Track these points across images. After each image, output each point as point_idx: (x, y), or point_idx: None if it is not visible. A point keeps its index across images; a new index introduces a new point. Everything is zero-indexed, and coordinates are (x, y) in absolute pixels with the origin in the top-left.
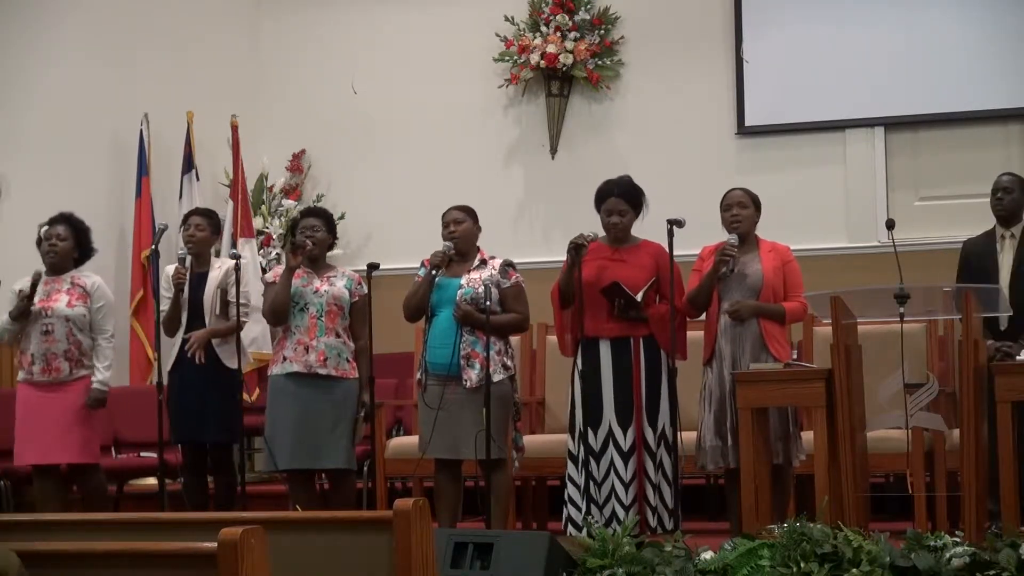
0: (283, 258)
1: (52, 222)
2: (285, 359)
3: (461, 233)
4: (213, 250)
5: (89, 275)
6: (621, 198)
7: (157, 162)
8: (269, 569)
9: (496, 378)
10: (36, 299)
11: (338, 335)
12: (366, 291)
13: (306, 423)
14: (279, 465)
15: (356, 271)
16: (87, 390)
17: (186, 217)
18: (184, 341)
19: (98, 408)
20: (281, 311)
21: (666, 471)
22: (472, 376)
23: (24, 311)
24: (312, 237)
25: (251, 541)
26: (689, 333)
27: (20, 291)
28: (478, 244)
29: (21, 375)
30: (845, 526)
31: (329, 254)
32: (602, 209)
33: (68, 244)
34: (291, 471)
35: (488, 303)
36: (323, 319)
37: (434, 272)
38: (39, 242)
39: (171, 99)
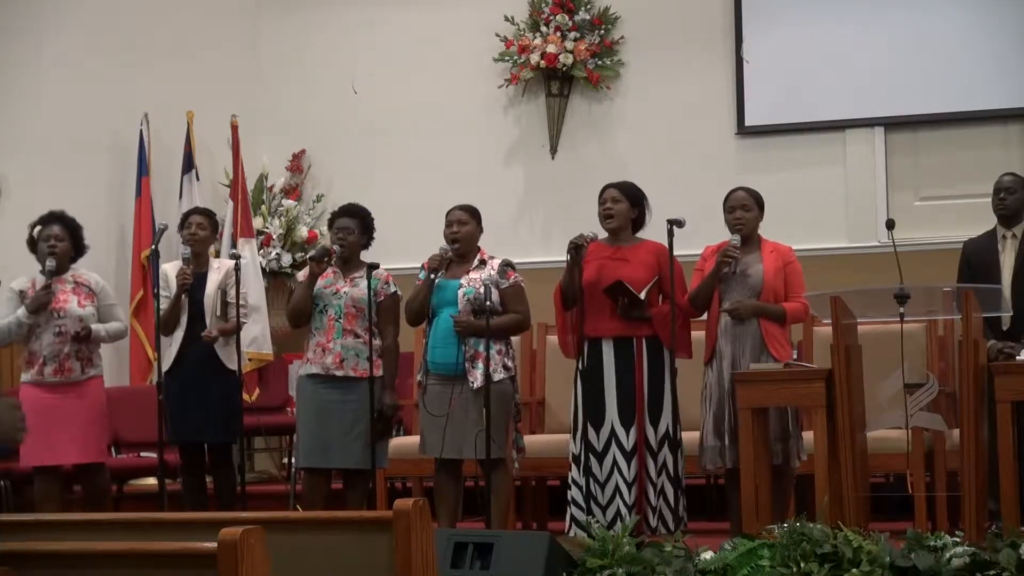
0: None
1: (44, 222)
2: (308, 360)
3: (463, 235)
4: (212, 250)
5: (88, 273)
6: (616, 189)
7: (157, 162)
8: (269, 569)
9: (497, 377)
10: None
11: (357, 336)
12: (393, 290)
13: (322, 423)
14: (296, 463)
15: (386, 269)
16: (99, 389)
17: (186, 216)
18: (184, 341)
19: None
20: (298, 317)
21: (669, 471)
22: (478, 376)
23: (45, 304)
24: (343, 240)
25: (251, 541)
26: (692, 333)
27: (22, 289)
28: (479, 244)
29: (27, 376)
30: (845, 526)
31: (364, 252)
32: (600, 200)
33: (66, 244)
34: (307, 469)
35: (489, 303)
36: (341, 321)
37: (433, 276)
38: (31, 242)
39: (171, 99)
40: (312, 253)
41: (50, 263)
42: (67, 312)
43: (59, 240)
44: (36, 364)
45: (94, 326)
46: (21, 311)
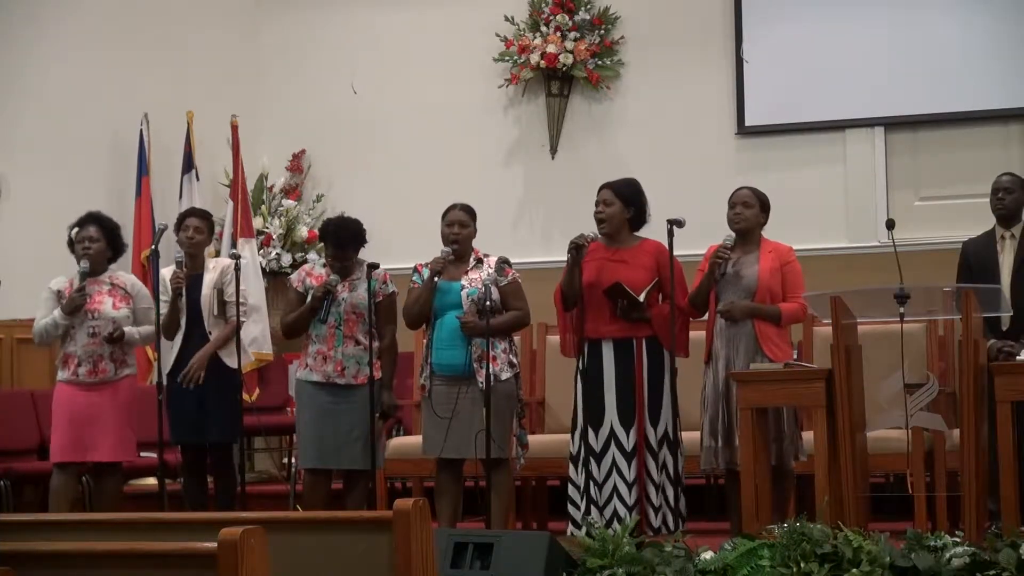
0: (283, 257)
1: (82, 223)
2: (307, 366)
3: (464, 237)
4: (211, 250)
5: (124, 275)
6: (609, 189)
7: (157, 162)
8: (269, 569)
9: (504, 376)
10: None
11: (358, 342)
12: (391, 290)
13: (323, 425)
14: (299, 464)
15: (386, 269)
16: (130, 388)
17: (182, 218)
18: (183, 342)
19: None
20: (296, 335)
21: (669, 471)
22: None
23: (79, 306)
24: (343, 266)
25: (251, 541)
26: (692, 333)
27: (60, 289)
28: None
29: (63, 375)
30: (845, 526)
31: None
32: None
33: (101, 244)
34: (307, 470)
35: (489, 303)
36: (341, 328)
37: (436, 278)
38: (71, 244)
39: (171, 99)
40: (319, 293)
41: (83, 265)
42: (101, 314)
43: (93, 241)
44: (71, 365)
45: (127, 328)
46: (57, 312)
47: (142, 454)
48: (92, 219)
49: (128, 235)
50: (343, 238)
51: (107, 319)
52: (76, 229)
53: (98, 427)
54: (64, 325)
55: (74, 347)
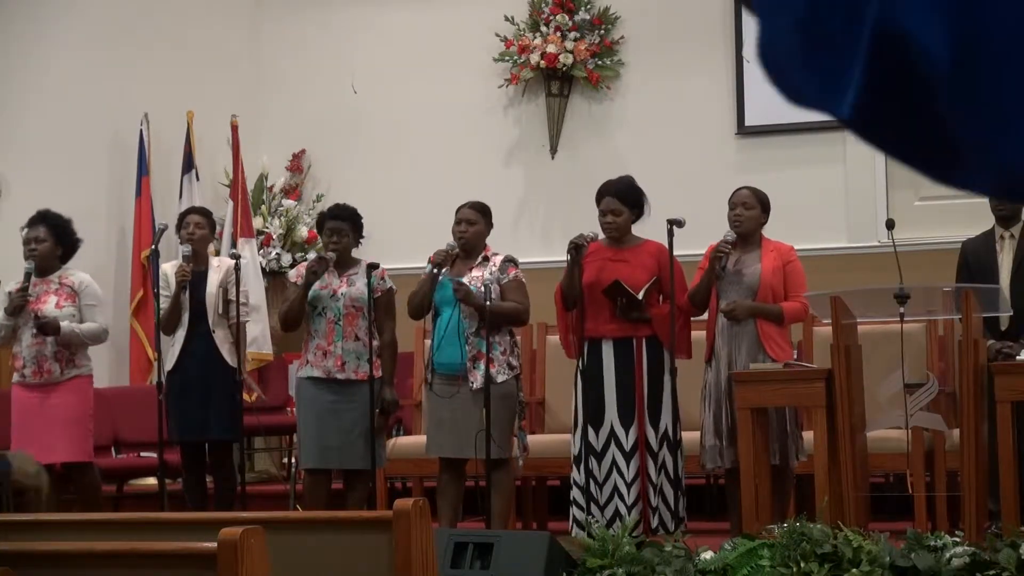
0: (283, 257)
1: (31, 223)
2: (308, 363)
3: (471, 235)
4: (212, 248)
5: (76, 273)
6: (616, 197)
7: (157, 162)
8: (269, 569)
9: (501, 378)
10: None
11: (357, 338)
12: (390, 286)
13: (325, 425)
14: (300, 464)
15: (385, 269)
16: (80, 389)
17: (183, 216)
18: (186, 340)
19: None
20: (291, 322)
21: (668, 472)
22: (478, 377)
23: (20, 306)
24: (337, 244)
25: (251, 541)
26: (693, 332)
27: (11, 291)
28: (486, 242)
29: (15, 377)
30: (845, 526)
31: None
32: (599, 209)
33: (47, 245)
34: (308, 470)
35: (489, 302)
36: (341, 323)
37: (436, 271)
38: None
39: (171, 99)
40: (315, 268)
41: (28, 265)
42: (42, 313)
43: (39, 242)
44: (19, 366)
45: (64, 324)
46: (0, 314)
47: (142, 454)
48: (41, 219)
49: (128, 235)
50: (339, 212)
51: (48, 318)
52: (26, 230)
53: (45, 428)
54: (8, 326)
55: (19, 348)
